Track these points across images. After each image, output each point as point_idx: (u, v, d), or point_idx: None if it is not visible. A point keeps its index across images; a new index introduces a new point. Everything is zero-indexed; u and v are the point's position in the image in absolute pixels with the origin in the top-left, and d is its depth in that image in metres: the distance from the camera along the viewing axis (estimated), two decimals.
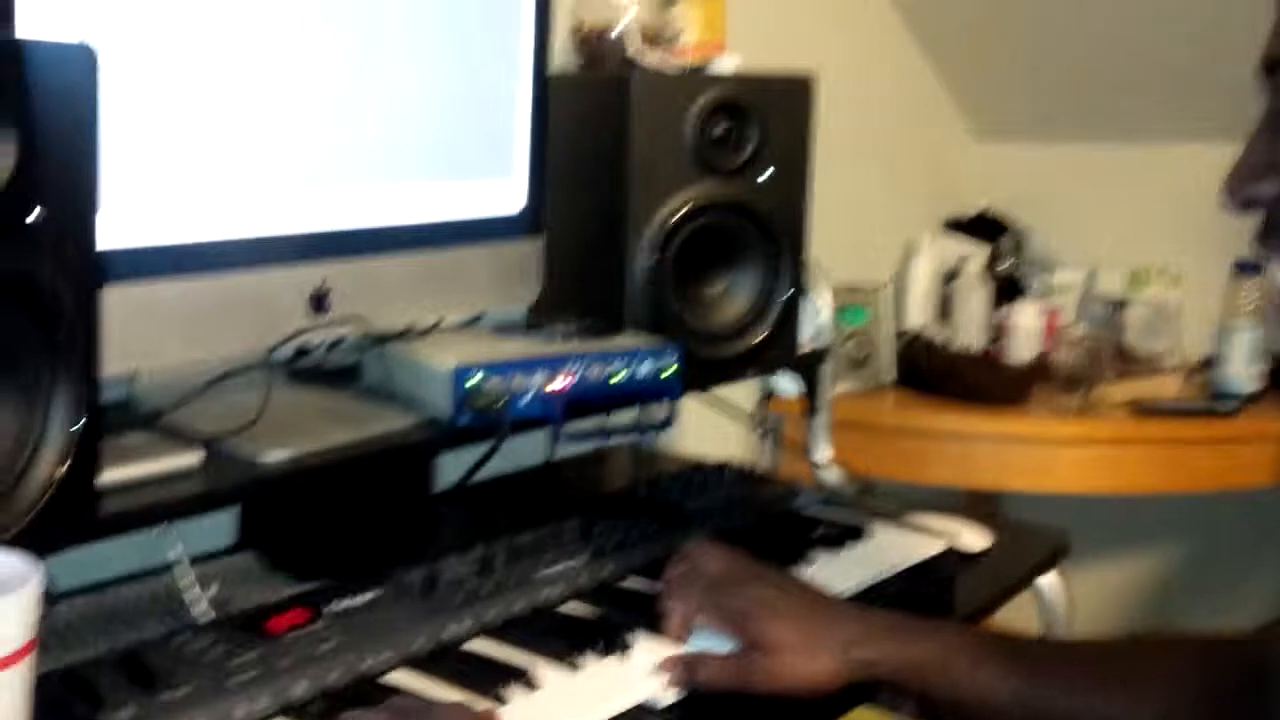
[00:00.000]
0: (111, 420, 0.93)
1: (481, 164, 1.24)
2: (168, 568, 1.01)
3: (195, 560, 1.01)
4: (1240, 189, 0.73)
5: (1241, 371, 2.09)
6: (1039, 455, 1.93)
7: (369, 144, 1.13)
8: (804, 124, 1.41)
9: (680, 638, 1.01)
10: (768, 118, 1.36)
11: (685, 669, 0.96)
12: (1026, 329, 2.12)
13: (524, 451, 1.46)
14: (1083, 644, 1.10)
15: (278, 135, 1.05)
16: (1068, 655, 1.18)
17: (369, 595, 0.99)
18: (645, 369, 1.23)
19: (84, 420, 0.80)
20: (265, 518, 1.12)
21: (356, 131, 1.11)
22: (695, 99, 1.31)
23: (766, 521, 1.29)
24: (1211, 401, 2.06)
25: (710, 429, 1.60)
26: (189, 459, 0.97)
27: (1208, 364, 2.19)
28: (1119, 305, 2.27)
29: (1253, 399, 2.08)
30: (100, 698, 0.79)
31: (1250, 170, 0.73)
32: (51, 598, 0.94)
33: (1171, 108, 2.23)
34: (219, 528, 1.12)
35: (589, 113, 1.33)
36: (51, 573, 0.70)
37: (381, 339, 1.18)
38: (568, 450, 1.53)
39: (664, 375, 1.24)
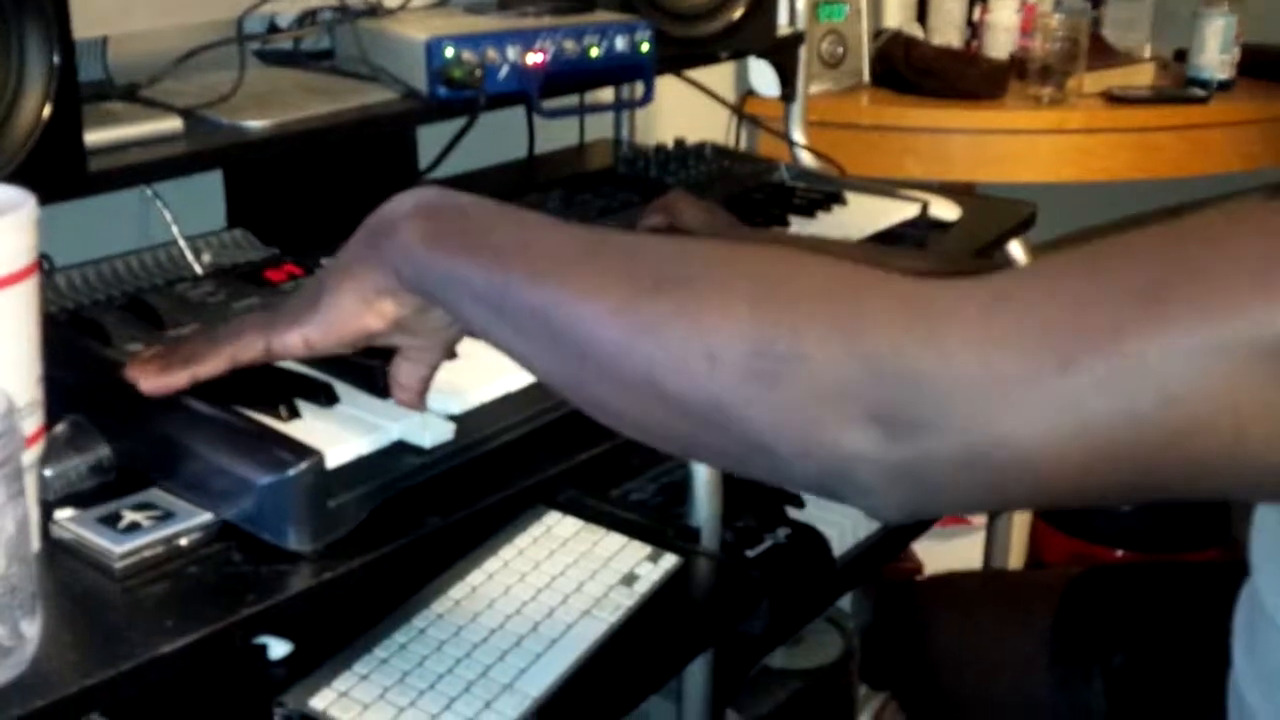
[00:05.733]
0: (88, 92, 0.93)
1: None
2: (163, 245, 1.03)
3: (188, 239, 1.03)
4: None
5: (1214, 60, 2.09)
6: (1012, 145, 1.93)
7: None
8: None
9: None
10: None
11: None
12: (1004, 25, 2.10)
13: (506, 145, 1.47)
14: None
15: None
16: None
17: None
18: (620, 43, 1.22)
19: (61, 61, 0.80)
20: (252, 195, 1.14)
21: None
22: None
23: (746, 191, 1.31)
24: (1184, 88, 2.07)
25: (689, 120, 1.61)
26: (170, 124, 0.97)
27: (1181, 56, 2.18)
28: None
29: (1224, 86, 2.08)
30: (108, 335, 0.82)
31: None
32: (50, 265, 0.97)
33: None
34: (209, 210, 1.14)
35: None
36: (50, 247, 0.71)
37: (352, 14, 1.17)
38: (548, 142, 1.54)
39: (639, 49, 1.23)
